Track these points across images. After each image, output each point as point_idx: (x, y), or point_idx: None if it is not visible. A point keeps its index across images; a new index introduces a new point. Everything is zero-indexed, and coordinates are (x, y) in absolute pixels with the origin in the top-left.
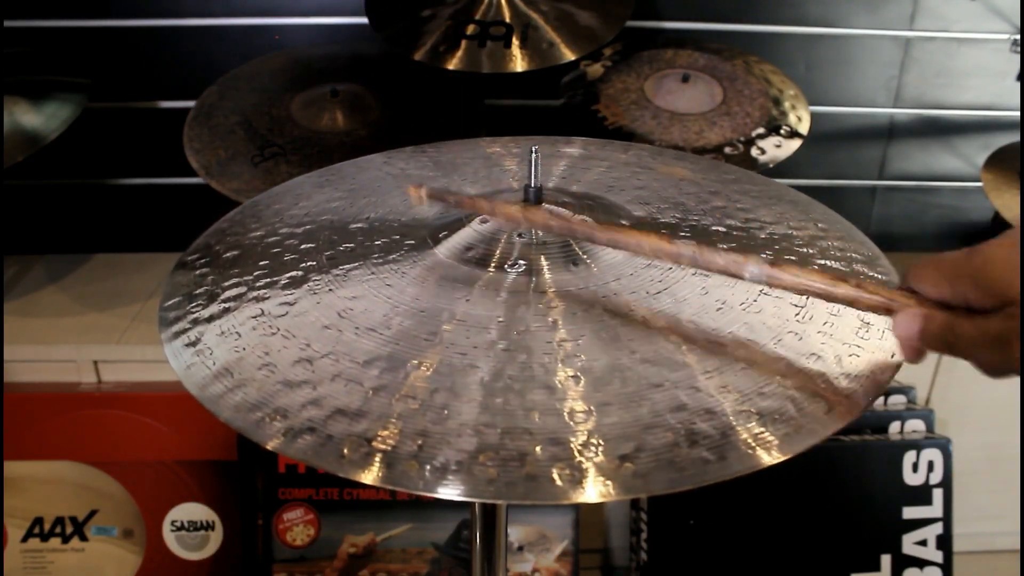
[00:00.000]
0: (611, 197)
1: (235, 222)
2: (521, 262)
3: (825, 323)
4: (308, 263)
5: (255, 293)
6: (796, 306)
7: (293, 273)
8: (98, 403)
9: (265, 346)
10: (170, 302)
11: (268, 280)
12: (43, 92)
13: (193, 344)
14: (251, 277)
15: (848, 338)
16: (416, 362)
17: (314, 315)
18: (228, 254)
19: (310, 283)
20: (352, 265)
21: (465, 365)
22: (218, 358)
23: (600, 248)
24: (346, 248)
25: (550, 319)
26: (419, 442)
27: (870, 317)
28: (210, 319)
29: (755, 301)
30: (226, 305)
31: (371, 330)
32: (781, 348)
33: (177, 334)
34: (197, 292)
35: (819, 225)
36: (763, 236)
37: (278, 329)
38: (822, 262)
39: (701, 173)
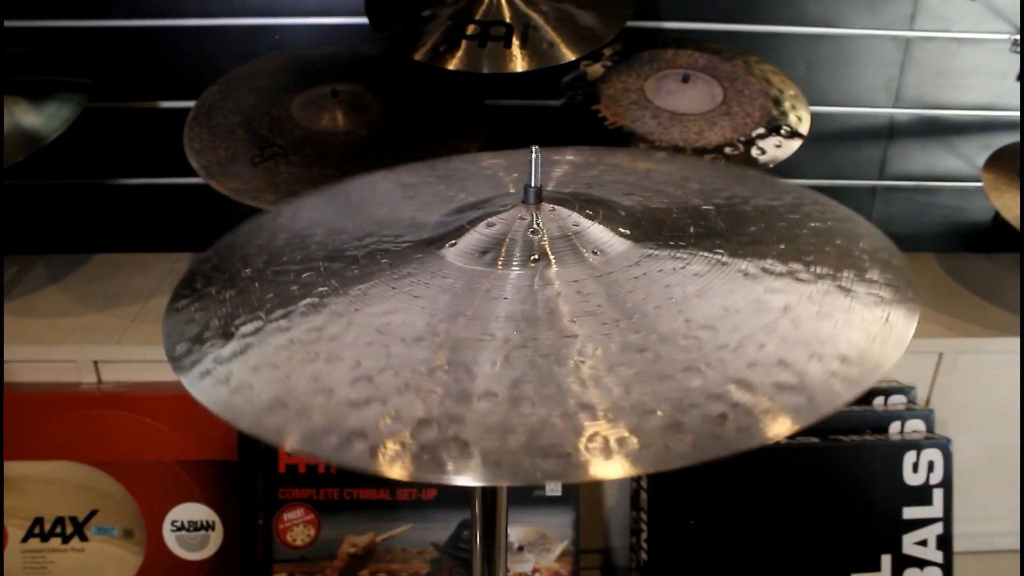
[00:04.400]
0: (595, 192)
1: (215, 267)
2: (540, 259)
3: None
4: (320, 289)
5: (275, 324)
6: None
7: (308, 300)
8: (98, 403)
9: (312, 372)
10: (179, 346)
11: (284, 311)
12: (43, 92)
13: (225, 381)
14: (263, 311)
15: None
16: (488, 362)
17: (351, 335)
18: (224, 294)
19: (331, 307)
20: (368, 284)
21: (527, 360)
22: (263, 391)
23: (612, 238)
24: (353, 271)
25: (593, 303)
26: (520, 436)
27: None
28: (233, 356)
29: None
30: (247, 340)
31: (419, 339)
32: (811, 303)
33: (203, 374)
34: (206, 334)
35: (792, 194)
36: (749, 209)
37: (317, 354)
38: (813, 224)
39: (665, 164)
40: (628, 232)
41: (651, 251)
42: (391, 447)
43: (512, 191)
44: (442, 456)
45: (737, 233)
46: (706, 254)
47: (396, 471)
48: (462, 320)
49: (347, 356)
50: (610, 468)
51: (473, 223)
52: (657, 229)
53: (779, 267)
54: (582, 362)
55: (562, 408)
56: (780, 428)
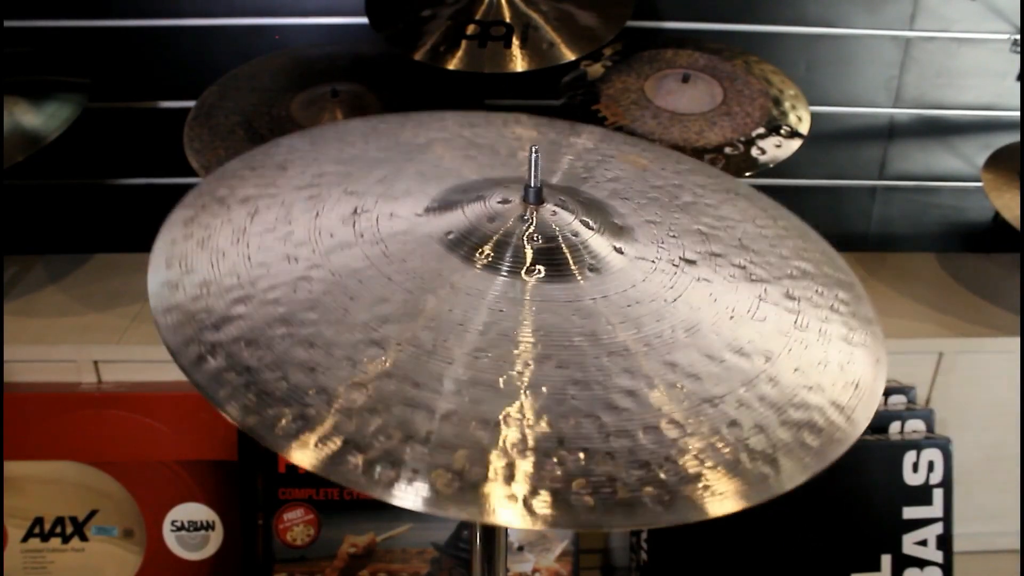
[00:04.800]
0: (588, 190)
1: (201, 208)
2: (532, 271)
3: (819, 329)
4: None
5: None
6: (791, 312)
7: (300, 276)
8: (98, 403)
9: (299, 357)
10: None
11: (274, 287)
12: (43, 92)
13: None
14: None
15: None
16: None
17: (349, 336)
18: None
19: (316, 279)
20: (361, 267)
21: (505, 381)
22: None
23: (609, 253)
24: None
25: (582, 334)
26: (503, 463)
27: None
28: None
29: (758, 308)
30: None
31: (386, 342)
32: (791, 358)
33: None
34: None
35: (780, 223)
36: (739, 235)
37: (309, 340)
38: (797, 264)
39: (657, 162)
40: (623, 248)
41: (645, 275)
42: (305, 435)
43: (522, 171)
44: (374, 469)
45: (726, 264)
46: (696, 287)
47: (298, 456)
48: (433, 324)
49: (346, 344)
50: (581, 519)
51: (470, 211)
52: (651, 247)
53: (764, 311)
54: (570, 398)
55: (537, 446)
56: (749, 499)
